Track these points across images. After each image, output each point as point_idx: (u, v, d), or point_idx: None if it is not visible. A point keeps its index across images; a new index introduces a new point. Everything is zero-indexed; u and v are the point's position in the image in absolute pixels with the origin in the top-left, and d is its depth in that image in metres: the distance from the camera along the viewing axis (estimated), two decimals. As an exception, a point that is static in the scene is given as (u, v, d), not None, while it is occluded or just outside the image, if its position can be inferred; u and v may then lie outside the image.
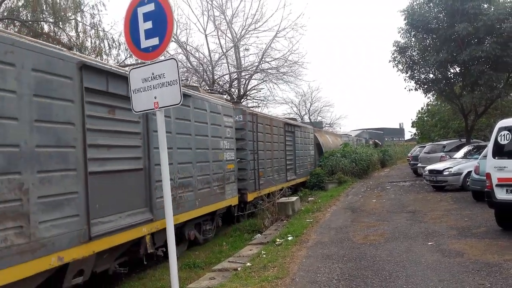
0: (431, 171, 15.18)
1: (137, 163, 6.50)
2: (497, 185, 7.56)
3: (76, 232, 5.04)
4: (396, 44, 19.21)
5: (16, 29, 14.20)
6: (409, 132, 45.39)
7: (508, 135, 7.67)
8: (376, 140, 48.59)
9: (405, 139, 75.07)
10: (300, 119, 40.94)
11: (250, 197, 11.69)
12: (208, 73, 22.06)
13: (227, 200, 9.97)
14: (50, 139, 4.79)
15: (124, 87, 5.87)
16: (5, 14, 14.47)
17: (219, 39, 22.55)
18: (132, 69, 4.51)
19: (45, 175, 4.67)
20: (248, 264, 6.70)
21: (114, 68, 6.13)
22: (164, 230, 6.07)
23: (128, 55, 16.45)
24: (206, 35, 21.90)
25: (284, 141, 15.86)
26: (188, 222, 8.16)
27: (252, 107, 19.21)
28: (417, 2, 18.33)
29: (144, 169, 6.64)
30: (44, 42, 5.25)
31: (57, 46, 5.52)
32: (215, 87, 21.03)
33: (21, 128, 4.40)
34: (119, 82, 5.96)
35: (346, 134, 37.27)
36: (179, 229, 7.90)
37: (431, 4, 18.01)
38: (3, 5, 14.36)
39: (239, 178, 11.23)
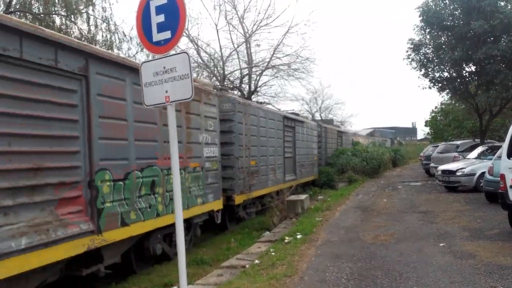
0: (444, 171, 14.98)
1: (291, 154, 15.67)
2: (511, 187, 7.40)
3: (281, 178, 14.25)
4: (411, 41, 18.94)
5: (28, 22, 14.27)
6: (422, 131, 45.32)
7: (524, 136, 7.50)
8: (401, 140, 59.57)
9: (418, 138, 74.30)
10: (311, 116, 40.78)
11: None
12: (218, 68, 22.04)
13: (313, 175, 19.15)
14: (278, 145, 14.10)
15: (287, 121, 15.22)
16: (17, 6, 14.55)
17: (230, 34, 22.50)
18: (143, 62, 4.48)
19: (276, 157, 13.71)
20: (257, 261, 6.67)
21: (288, 114, 16.00)
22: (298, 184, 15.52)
23: (140, 49, 16.49)
24: (217, 30, 21.83)
25: (336, 143, 25.93)
26: (299, 184, 16.07)
27: (262, 103, 19.23)
28: (433, -2, 18.04)
29: (293, 156, 15.89)
30: (275, 109, 17.40)
31: (278, 110, 17.37)
32: (225, 83, 20.99)
33: (280, 143, 14.41)
34: (289, 120, 15.37)
35: (372, 136, 42.80)
36: (298, 186, 15.87)
37: (446, 1, 17.70)
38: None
39: (318, 164, 20.35)
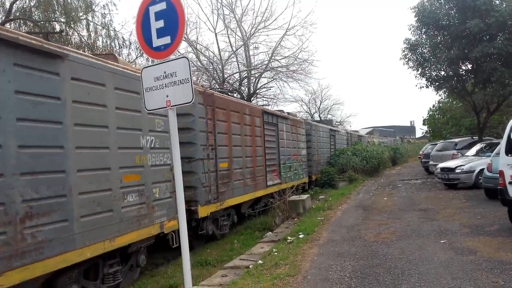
0: (443, 168, 15.05)
1: (333, 151, 23.11)
2: (510, 183, 7.46)
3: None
4: (407, 41, 19.03)
5: (28, 29, 14.34)
6: (421, 129, 45.67)
7: (521, 132, 7.57)
8: (409, 139, 65.64)
9: (416, 137, 74.41)
10: (310, 117, 40.87)
11: None
12: (218, 71, 22.10)
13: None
14: (327, 146, 22.04)
15: (331, 132, 23.95)
16: (17, 14, 14.62)
17: (228, 37, 22.58)
18: (144, 68, 4.55)
19: (326, 154, 21.62)
20: (260, 261, 6.72)
21: (332, 127, 25.44)
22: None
23: (139, 54, 16.55)
24: (216, 34, 21.91)
25: (357, 143, 30.26)
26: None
27: (262, 105, 19.36)
28: (428, -2, 18.14)
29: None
30: (326, 126, 23.69)
31: (327, 126, 24.68)
32: (225, 86, 21.05)
33: (328, 146, 22.59)
34: (332, 131, 24.21)
35: (385, 136, 51.52)
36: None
37: (442, 1, 17.82)
38: (14, 5, 14.52)
39: None
